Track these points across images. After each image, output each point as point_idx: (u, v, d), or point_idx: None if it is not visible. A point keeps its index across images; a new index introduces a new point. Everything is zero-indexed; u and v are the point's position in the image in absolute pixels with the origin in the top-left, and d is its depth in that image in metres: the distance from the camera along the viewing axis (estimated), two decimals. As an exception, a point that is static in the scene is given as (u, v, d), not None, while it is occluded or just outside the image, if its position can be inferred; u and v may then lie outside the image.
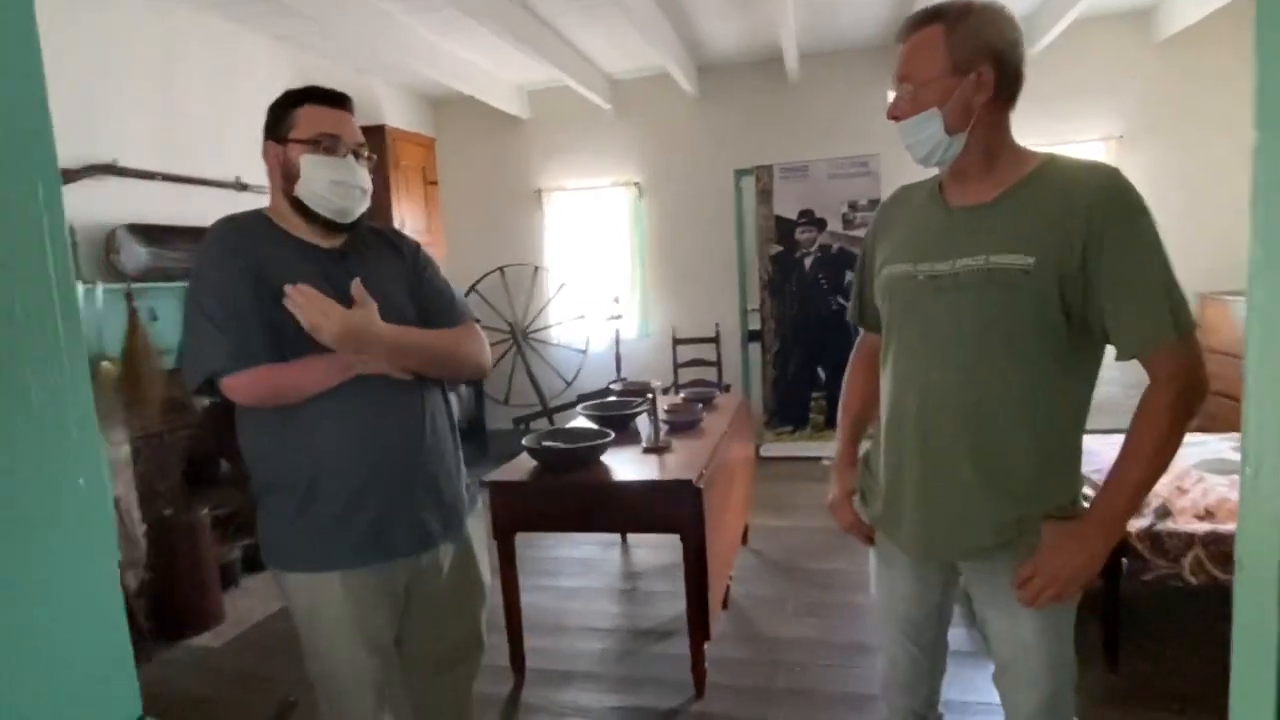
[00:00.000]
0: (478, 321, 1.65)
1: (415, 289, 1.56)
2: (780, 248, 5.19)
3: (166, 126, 3.58)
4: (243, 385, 1.32)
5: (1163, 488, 2.49)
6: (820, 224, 5.10)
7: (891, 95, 1.24)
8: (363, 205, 1.46)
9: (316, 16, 3.54)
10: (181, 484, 3.65)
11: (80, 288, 2.95)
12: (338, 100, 1.44)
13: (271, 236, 1.43)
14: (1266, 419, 0.45)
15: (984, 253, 1.16)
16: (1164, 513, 2.37)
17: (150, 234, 3.31)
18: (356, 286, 1.35)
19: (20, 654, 0.57)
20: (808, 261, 5.16)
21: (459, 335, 1.54)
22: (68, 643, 0.60)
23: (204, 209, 3.51)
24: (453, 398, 5.45)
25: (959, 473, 1.21)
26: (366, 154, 1.46)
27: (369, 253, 1.52)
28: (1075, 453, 1.22)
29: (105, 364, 3.00)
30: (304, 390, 1.36)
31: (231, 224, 1.44)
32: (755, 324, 5.46)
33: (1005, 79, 1.17)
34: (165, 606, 3.06)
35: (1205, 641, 2.50)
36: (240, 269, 1.36)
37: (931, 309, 1.22)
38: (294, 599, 1.45)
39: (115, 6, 3.34)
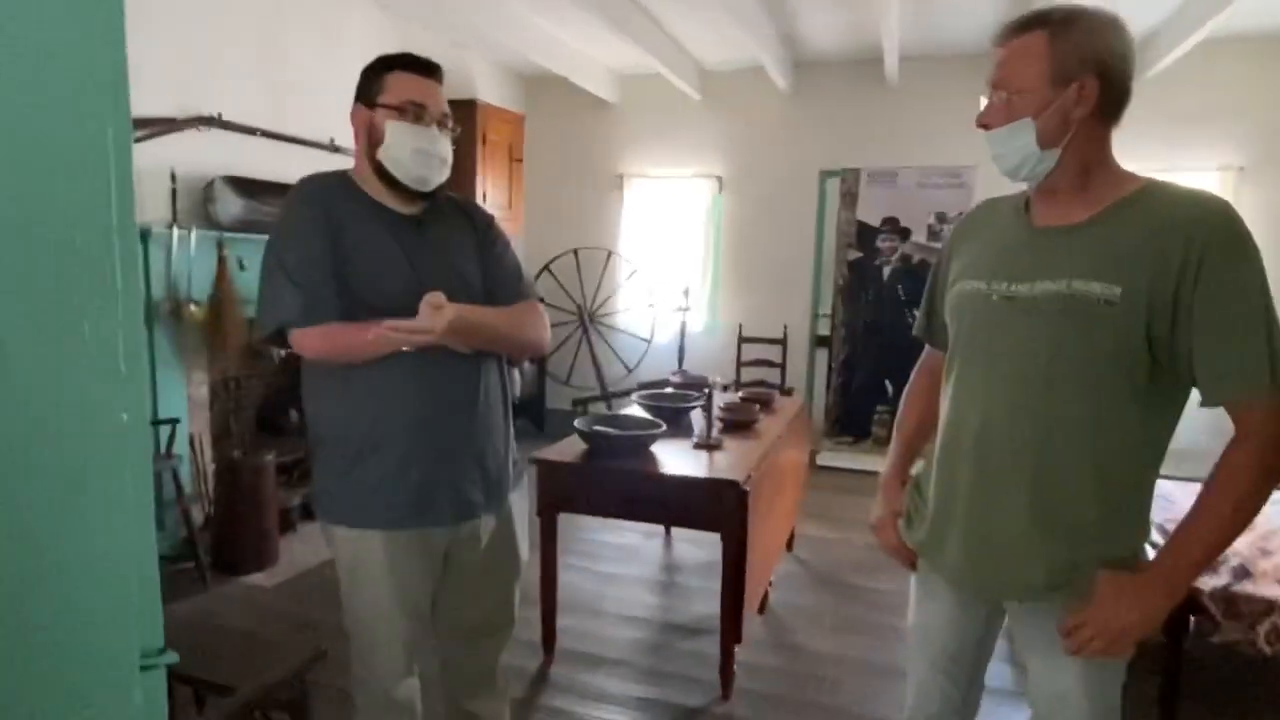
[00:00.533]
0: (541, 300, 1.66)
1: (484, 262, 1.57)
2: (859, 254, 5.06)
3: (269, 85, 3.73)
4: (309, 339, 1.36)
5: (1244, 546, 2.32)
6: (904, 233, 4.95)
7: (984, 102, 1.18)
8: (442, 175, 1.47)
9: (420, -13, 3.62)
10: (253, 428, 3.83)
11: (175, 233, 3.11)
12: (428, 69, 1.45)
13: (352, 198, 1.46)
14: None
15: (1066, 277, 1.08)
16: (1242, 573, 2.21)
17: (246, 186, 3.46)
18: (429, 298, 1.32)
19: (50, 577, 0.59)
20: (886, 271, 5.01)
21: (521, 313, 1.55)
22: (98, 571, 0.62)
23: (298, 167, 3.63)
24: (515, 373, 5.49)
25: (1013, 507, 1.14)
26: (451, 125, 1.47)
27: (444, 222, 1.54)
28: (1144, 500, 1.14)
29: (193, 307, 3.16)
30: (365, 351, 1.38)
31: (315, 183, 1.48)
32: (825, 329, 5.35)
33: (1110, 94, 1.09)
34: (226, 543, 3.22)
35: (1272, 716, 2.32)
36: (319, 227, 1.39)
37: (1002, 331, 1.15)
38: (338, 552, 1.50)
39: (234, -33, 3.49)
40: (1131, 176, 1.13)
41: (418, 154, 1.41)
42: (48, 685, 0.61)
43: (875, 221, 5.01)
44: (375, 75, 1.44)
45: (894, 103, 5.24)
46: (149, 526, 0.68)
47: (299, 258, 1.37)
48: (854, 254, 5.07)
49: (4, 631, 0.58)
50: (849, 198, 5.06)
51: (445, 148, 1.46)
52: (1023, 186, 1.21)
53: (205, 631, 2.10)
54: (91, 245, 0.59)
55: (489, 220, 1.63)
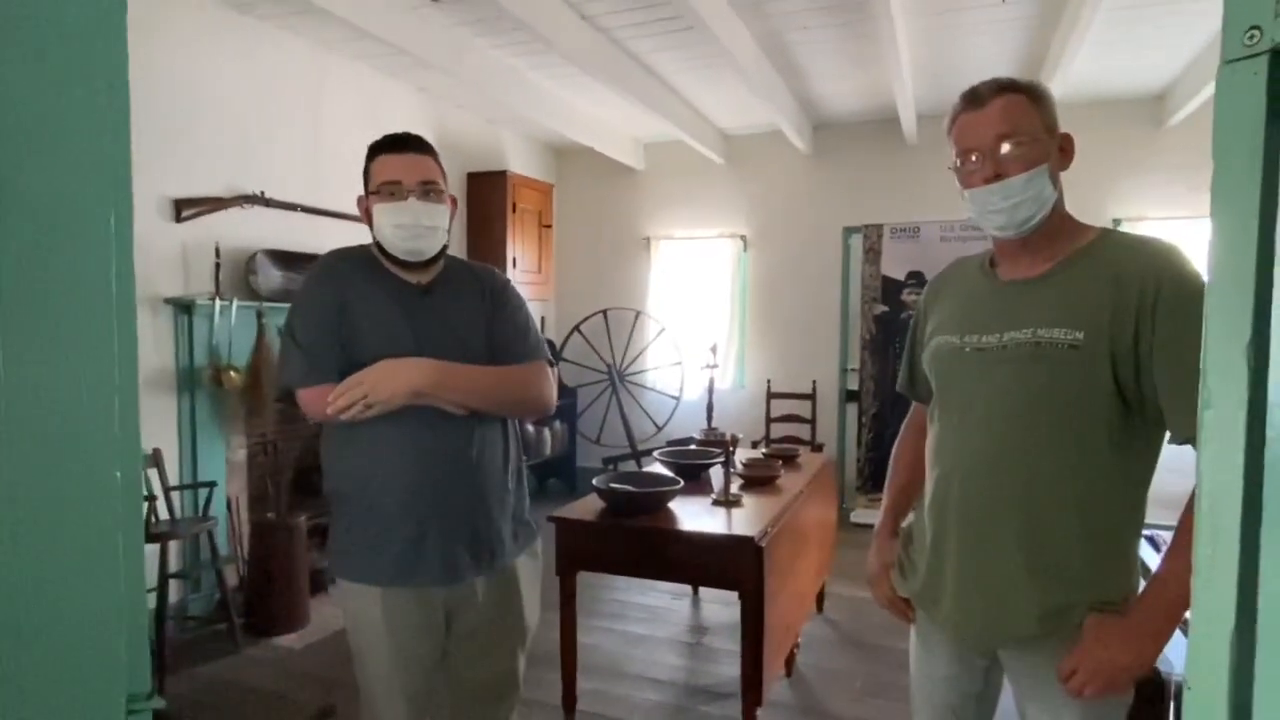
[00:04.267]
0: (550, 363, 1.67)
1: (492, 324, 1.61)
2: (885, 308, 5.07)
3: (311, 164, 3.96)
4: (310, 399, 1.45)
5: None
6: (929, 287, 4.95)
7: (958, 162, 1.23)
8: (433, 241, 1.52)
9: (454, 70, 3.84)
10: (289, 491, 3.93)
11: (218, 303, 3.28)
12: (402, 145, 1.52)
13: (368, 271, 1.55)
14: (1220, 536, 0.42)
15: (1031, 326, 1.12)
16: None
17: (285, 259, 3.65)
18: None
19: (45, 625, 0.65)
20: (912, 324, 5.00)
21: (513, 372, 1.57)
22: (91, 621, 0.68)
23: (336, 239, 3.84)
24: (545, 433, 5.51)
25: (1002, 555, 1.15)
26: (435, 190, 1.50)
27: (453, 288, 1.60)
28: (1130, 542, 1.14)
29: (232, 373, 3.30)
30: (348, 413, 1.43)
31: (332, 258, 1.58)
32: (854, 384, 5.32)
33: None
34: (258, 604, 3.28)
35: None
36: (329, 298, 1.49)
37: (977, 383, 1.18)
38: (344, 604, 1.55)
39: (276, 54, 3.75)
40: (1086, 227, 1.18)
41: (398, 229, 1.48)
42: (39, 725, 0.66)
43: (900, 276, 5.03)
44: (367, 165, 1.54)
45: (913, 159, 5.31)
46: (140, 579, 0.73)
47: (306, 326, 1.47)
48: (880, 308, 5.08)
49: (4, 670, 0.63)
50: (872, 253, 5.09)
51: (429, 214, 1.49)
52: (989, 244, 1.26)
53: (230, 692, 2.15)
54: (91, 316, 0.67)
55: (500, 284, 1.67)
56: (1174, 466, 1.15)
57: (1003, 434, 1.14)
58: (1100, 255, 1.12)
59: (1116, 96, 4.70)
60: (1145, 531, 1.17)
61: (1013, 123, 1.16)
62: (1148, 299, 1.05)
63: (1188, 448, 1.05)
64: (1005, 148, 1.16)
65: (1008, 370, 1.14)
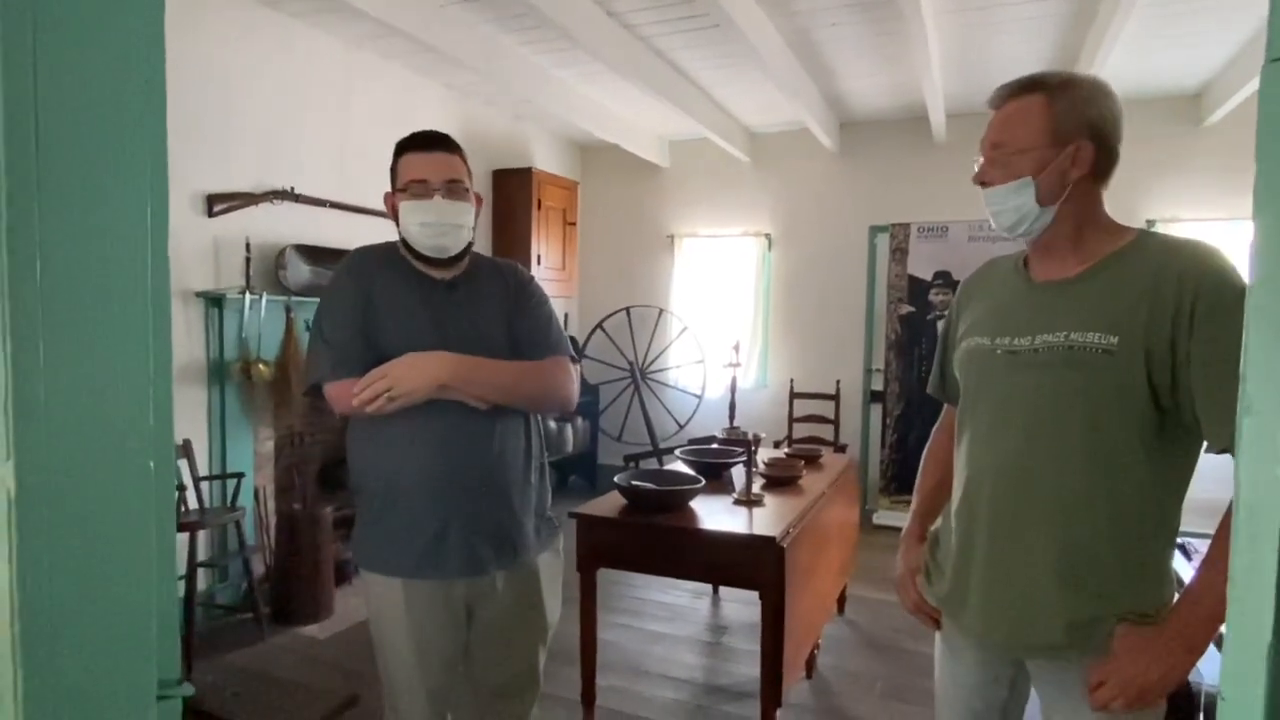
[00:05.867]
0: (573, 358, 1.68)
1: (515, 320, 1.62)
2: (911, 308, 5.01)
3: (340, 160, 4.01)
4: (337, 394, 1.46)
5: None
6: (956, 286, 4.89)
7: (980, 160, 1.22)
8: (458, 238, 1.54)
9: (482, 68, 3.87)
10: (315, 482, 3.98)
11: (247, 297, 3.33)
12: (429, 143, 1.53)
13: (394, 267, 1.57)
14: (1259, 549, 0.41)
15: (1065, 330, 1.10)
16: None
17: (314, 254, 3.70)
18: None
19: (81, 610, 0.66)
20: (940, 324, 4.94)
21: (535, 367, 1.58)
22: (124, 607, 0.69)
23: (364, 235, 3.88)
24: (568, 429, 5.53)
25: (1031, 561, 1.13)
26: (461, 189, 1.52)
27: (478, 284, 1.62)
28: (1163, 551, 1.11)
29: (261, 366, 3.35)
30: (375, 407, 1.44)
31: (359, 255, 1.60)
32: (879, 384, 5.27)
33: (1102, 157, 1.14)
34: (283, 594, 3.33)
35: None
36: (355, 295, 1.51)
37: (1008, 386, 1.16)
38: (367, 596, 1.57)
39: (306, 50, 3.80)
40: (1124, 229, 1.15)
41: (424, 226, 1.50)
42: (75, 707, 0.68)
43: (927, 276, 4.97)
44: (394, 163, 1.56)
45: (942, 158, 5.24)
46: (171, 567, 0.75)
47: (334, 322, 1.49)
48: (906, 308, 5.03)
49: (40, 656, 0.65)
50: (899, 252, 5.04)
51: (454, 212, 1.50)
52: (1019, 244, 1.24)
53: (256, 681, 2.18)
54: (128, 310, 0.68)
55: (524, 280, 1.69)
56: (1212, 474, 1.13)
57: (1033, 439, 1.12)
58: (1138, 257, 1.10)
59: (1152, 95, 4.60)
60: (1177, 539, 1.15)
61: (1007, 132, 1.15)
62: (1186, 302, 1.02)
63: (1226, 456, 1.04)
64: (992, 156, 1.17)
65: (1039, 374, 1.12)
